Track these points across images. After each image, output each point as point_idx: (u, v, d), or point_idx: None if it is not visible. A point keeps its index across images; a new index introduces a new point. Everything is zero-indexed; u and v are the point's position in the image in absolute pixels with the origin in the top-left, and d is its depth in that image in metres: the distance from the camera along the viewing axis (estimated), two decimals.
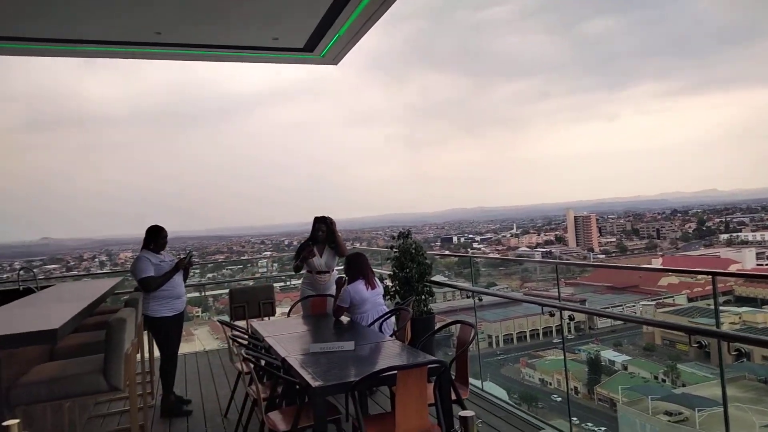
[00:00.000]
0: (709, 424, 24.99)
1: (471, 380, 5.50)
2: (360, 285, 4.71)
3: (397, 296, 5.95)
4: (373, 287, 4.78)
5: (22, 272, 6.18)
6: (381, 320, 4.69)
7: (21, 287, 5.65)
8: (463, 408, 3.62)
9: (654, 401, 25.78)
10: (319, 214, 5.60)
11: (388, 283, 6.05)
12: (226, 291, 7.56)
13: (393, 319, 4.84)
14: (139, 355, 4.98)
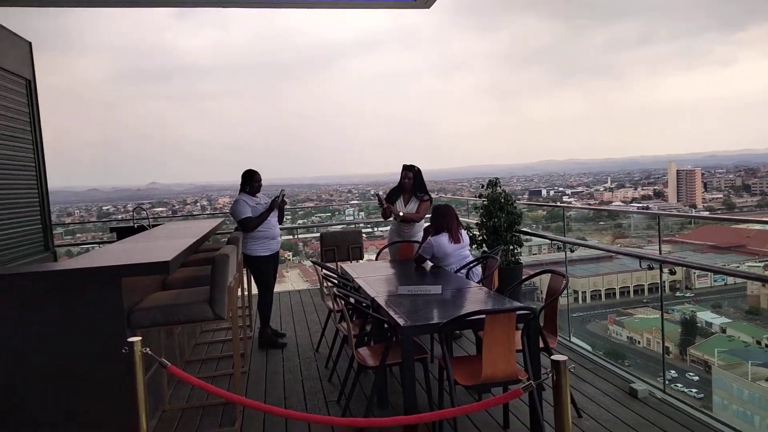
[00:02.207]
0: None
1: (560, 336, 5.43)
2: (443, 239, 4.66)
3: (484, 245, 5.90)
4: (458, 241, 4.71)
5: (134, 213, 6.77)
6: (467, 268, 4.68)
7: (135, 225, 6.21)
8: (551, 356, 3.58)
9: (755, 366, 24.27)
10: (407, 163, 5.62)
11: (476, 232, 6.00)
12: (316, 235, 7.86)
13: (480, 268, 4.83)
14: (239, 291, 5.35)
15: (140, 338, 2.18)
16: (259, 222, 5.09)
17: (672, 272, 4.08)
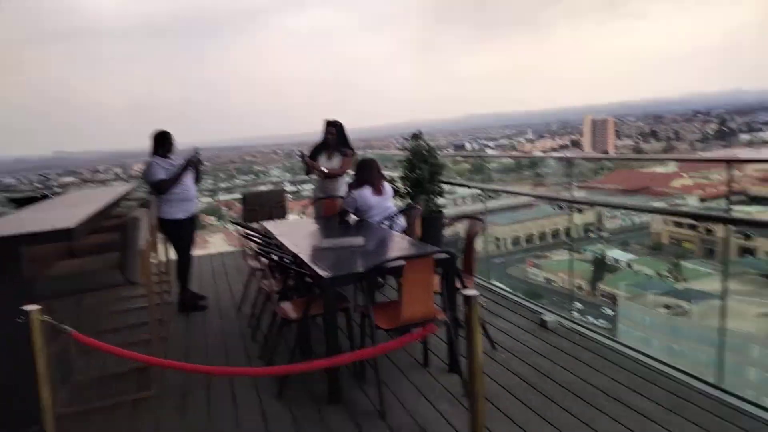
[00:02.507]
0: (705, 316, 25.85)
1: (478, 277, 5.66)
2: (366, 191, 4.70)
3: (408, 198, 5.99)
4: (381, 193, 4.77)
5: (38, 182, 6.28)
6: (391, 219, 4.75)
7: (39, 194, 5.77)
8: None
9: (655, 296, 26.63)
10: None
11: (399, 185, 6.08)
12: (239, 197, 7.67)
13: (403, 218, 4.91)
14: (155, 258, 5.15)
15: (39, 307, 2.06)
16: (172, 183, 4.88)
17: (580, 211, 4.32)
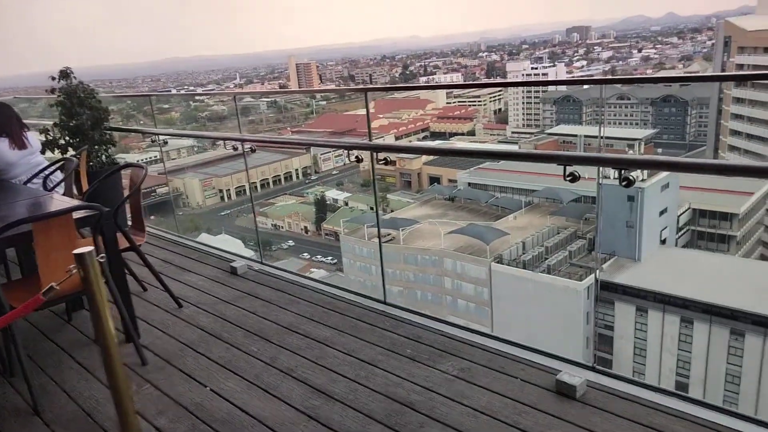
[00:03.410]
0: (410, 239, 30.05)
1: (168, 231, 5.20)
2: (3, 145, 3.77)
3: (70, 149, 5.05)
4: (23, 147, 3.88)
5: None
6: (41, 176, 3.92)
7: None
8: (141, 258, 3.33)
9: (369, 228, 29.81)
10: None
11: (56, 134, 5.07)
12: None
13: (60, 174, 4.09)
14: None
15: None
16: None
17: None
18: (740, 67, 44.22)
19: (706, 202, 28.41)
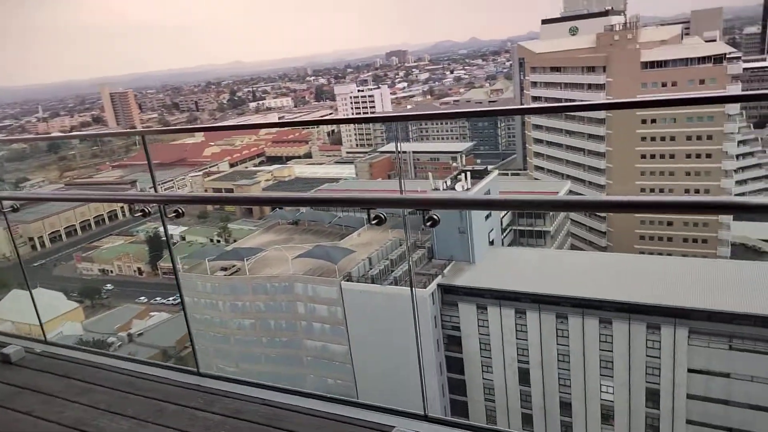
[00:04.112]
0: (258, 268, 29.23)
1: None
2: None
3: None
4: None
5: None
6: None
7: None
8: None
9: (211, 262, 28.33)
10: None
11: None
12: None
13: None
14: None
15: None
16: None
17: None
18: (534, 84, 51.14)
19: None
